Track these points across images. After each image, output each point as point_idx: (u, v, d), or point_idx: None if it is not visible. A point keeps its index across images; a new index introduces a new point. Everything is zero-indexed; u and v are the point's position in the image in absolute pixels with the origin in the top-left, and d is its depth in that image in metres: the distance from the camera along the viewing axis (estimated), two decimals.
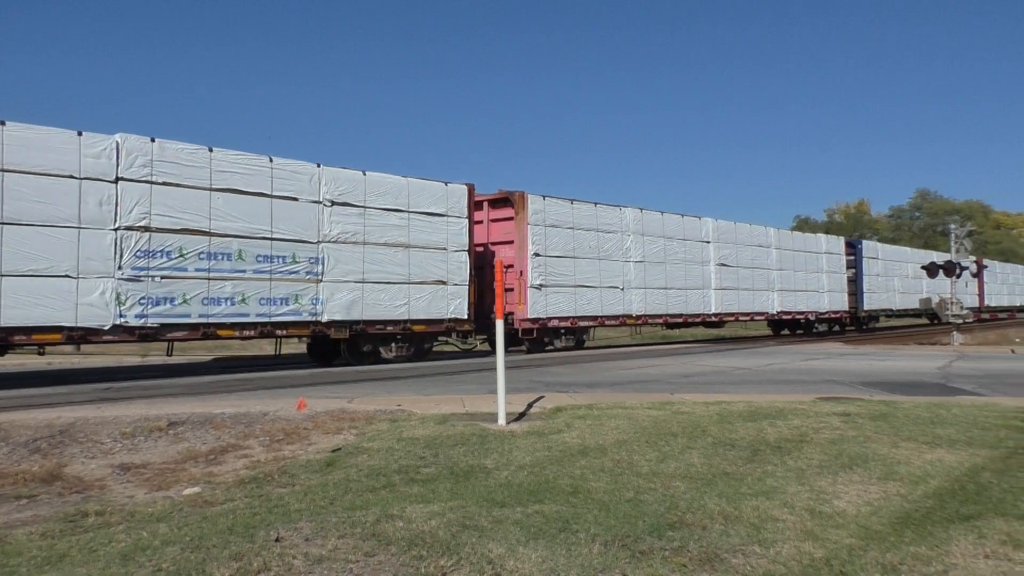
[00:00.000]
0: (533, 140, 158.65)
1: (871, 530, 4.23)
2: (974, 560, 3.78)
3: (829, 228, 77.60)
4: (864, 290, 35.34)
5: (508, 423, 7.84)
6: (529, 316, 19.84)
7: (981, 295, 46.99)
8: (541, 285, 20.18)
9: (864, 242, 37.45)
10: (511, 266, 19.92)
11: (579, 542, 3.97)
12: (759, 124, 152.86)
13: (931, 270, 27.62)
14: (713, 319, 26.43)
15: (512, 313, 19.52)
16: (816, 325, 32.61)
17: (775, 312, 29.15)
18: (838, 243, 34.43)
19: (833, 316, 33.09)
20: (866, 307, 35.41)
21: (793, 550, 3.89)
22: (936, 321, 45.23)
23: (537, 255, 20.17)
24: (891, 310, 38.23)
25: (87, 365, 18.50)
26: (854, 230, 78.20)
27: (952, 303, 26.00)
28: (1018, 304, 54.12)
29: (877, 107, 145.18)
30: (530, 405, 9.30)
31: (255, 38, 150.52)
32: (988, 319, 47.74)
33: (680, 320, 25.15)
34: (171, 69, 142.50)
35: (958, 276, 26.55)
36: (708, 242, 26.17)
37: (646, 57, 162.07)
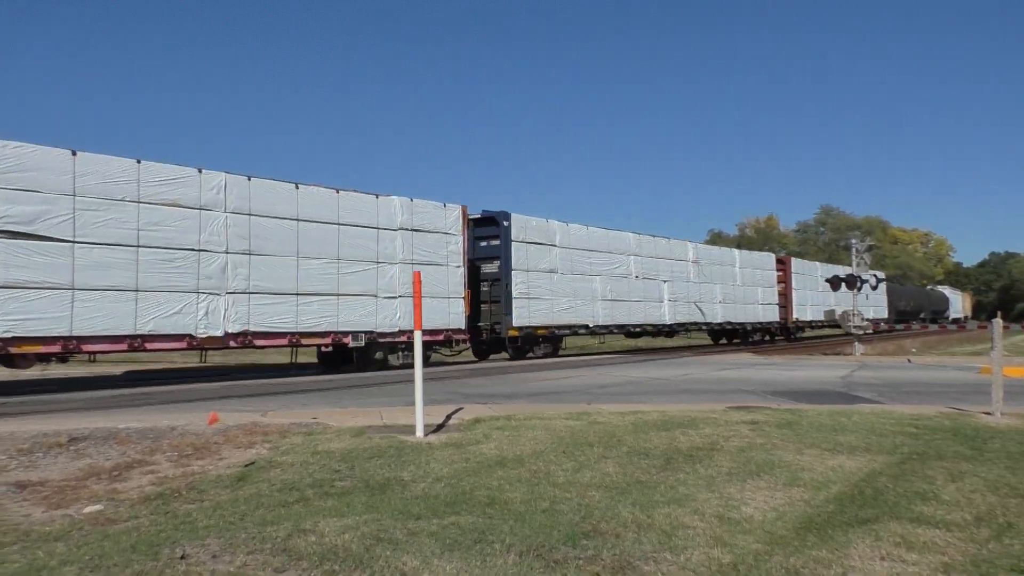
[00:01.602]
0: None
1: (776, 535, 4.38)
2: (871, 562, 3.95)
3: (740, 243, 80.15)
4: (514, 295, 22.20)
5: (426, 435, 7.79)
6: None
7: (789, 307, 38.27)
8: None
9: (516, 216, 22.60)
10: None
11: (494, 553, 3.98)
12: (672, 139, 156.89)
13: (834, 283, 28.83)
14: None
15: None
16: (372, 351, 18.65)
17: (221, 334, 15.57)
18: (444, 215, 20.07)
19: (425, 337, 16.86)
20: (519, 322, 22.23)
21: (703, 556, 3.99)
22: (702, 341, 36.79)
23: None
24: (586, 327, 24.83)
25: None
26: (764, 244, 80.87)
27: (854, 315, 27.19)
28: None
29: (784, 123, 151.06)
30: (449, 417, 9.27)
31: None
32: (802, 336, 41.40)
33: None
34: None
35: (859, 289, 27.81)
36: None
37: (566, 73, 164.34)
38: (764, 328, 36.87)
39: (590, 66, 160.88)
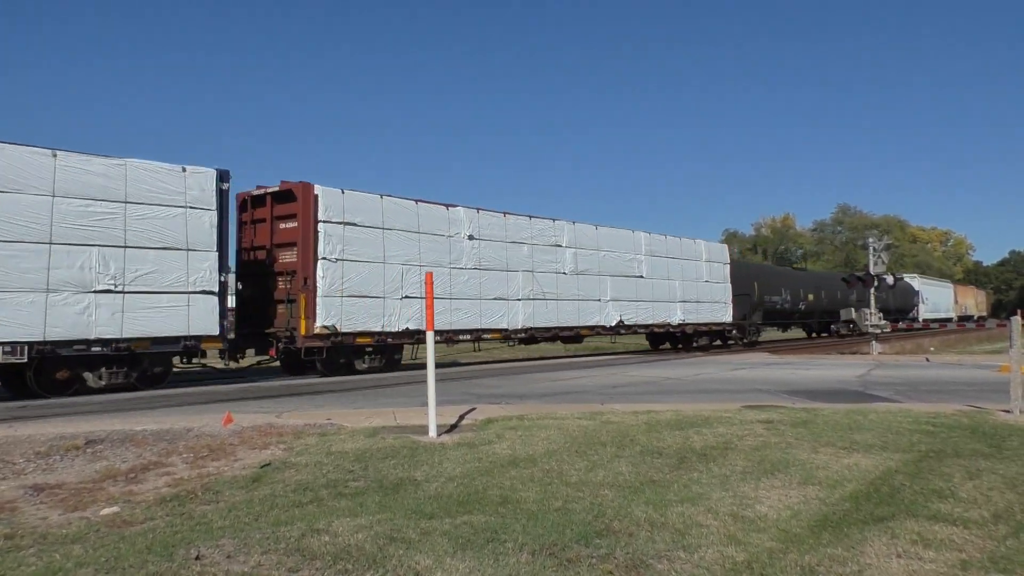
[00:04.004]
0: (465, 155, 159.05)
1: (791, 533, 4.35)
2: (887, 560, 3.92)
3: (756, 242, 79.66)
4: None
5: (439, 435, 7.80)
6: None
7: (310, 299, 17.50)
8: None
9: None
10: None
11: (507, 552, 3.98)
12: (688, 142, 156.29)
13: (851, 281, 28.62)
14: None
15: None
16: None
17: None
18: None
19: None
20: None
21: (716, 554, 3.98)
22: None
23: None
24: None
25: None
26: (779, 243, 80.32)
27: (871, 314, 26.98)
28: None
29: (801, 124, 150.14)
30: (462, 417, 9.28)
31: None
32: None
33: None
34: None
35: (876, 287, 27.60)
36: None
37: (586, 78, 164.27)
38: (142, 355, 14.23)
39: (607, 69, 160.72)
